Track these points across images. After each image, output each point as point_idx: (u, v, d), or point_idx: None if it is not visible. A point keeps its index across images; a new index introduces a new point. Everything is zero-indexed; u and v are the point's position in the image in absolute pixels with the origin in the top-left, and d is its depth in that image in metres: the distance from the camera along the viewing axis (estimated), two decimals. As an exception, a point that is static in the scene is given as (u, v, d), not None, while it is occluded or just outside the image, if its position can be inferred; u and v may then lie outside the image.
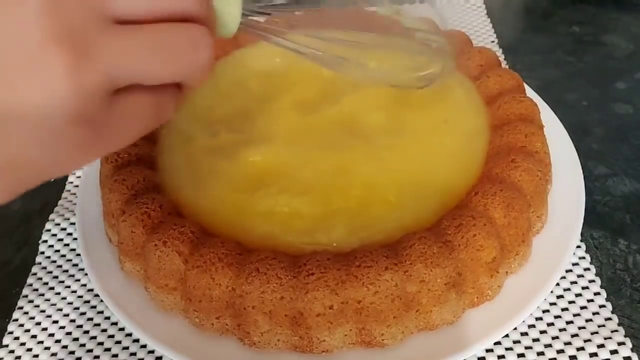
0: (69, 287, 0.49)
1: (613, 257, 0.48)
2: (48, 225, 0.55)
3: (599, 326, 0.43)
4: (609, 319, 0.43)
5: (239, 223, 0.43)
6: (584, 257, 0.47)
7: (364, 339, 0.39)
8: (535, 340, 0.42)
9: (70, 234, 0.54)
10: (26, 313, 0.48)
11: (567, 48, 0.71)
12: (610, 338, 0.42)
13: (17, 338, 0.46)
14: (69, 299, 0.48)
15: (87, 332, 0.46)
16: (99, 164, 0.49)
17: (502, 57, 0.69)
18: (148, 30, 0.26)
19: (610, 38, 0.72)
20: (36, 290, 0.49)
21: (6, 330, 0.47)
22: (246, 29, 0.35)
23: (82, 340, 0.45)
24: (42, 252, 0.52)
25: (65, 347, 0.45)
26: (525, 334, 0.43)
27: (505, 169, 0.44)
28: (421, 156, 0.47)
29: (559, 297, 0.45)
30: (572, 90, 0.65)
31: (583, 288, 0.45)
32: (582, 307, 0.44)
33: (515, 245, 0.42)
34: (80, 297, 0.48)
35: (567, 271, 0.46)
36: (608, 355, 0.41)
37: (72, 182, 0.59)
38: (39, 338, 0.46)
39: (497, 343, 0.42)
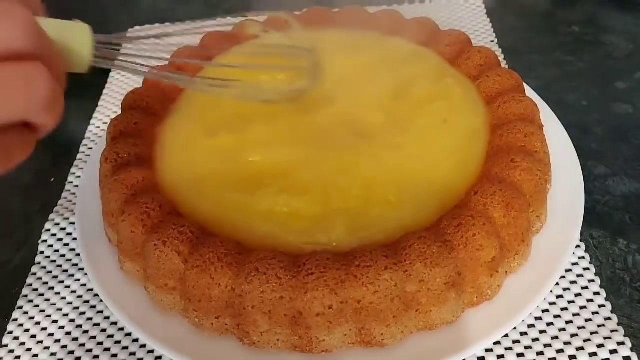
0: (68, 287, 0.49)
1: (612, 257, 0.48)
2: (48, 225, 0.55)
3: (598, 326, 0.42)
4: (609, 318, 0.43)
5: (238, 223, 0.43)
6: (583, 257, 0.47)
7: (364, 338, 0.39)
8: (535, 340, 0.42)
9: (70, 234, 0.54)
10: (26, 313, 0.48)
11: (567, 48, 0.71)
12: (609, 338, 0.42)
13: (16, 338, 0.46)
14: (69, 299, 0.48)
15: (86, 332, 0.46)
16: (99, 163, 0.49)
17: (501, 57, 0.69)
18: None
19: (610, 38, 0.72)
20: (36, 290, 0.50)
21: (6, 330, 0.47)
22: (105, 63, 0.35)
23: (81, 340, 0.45)
24: (42, 252, 0.53)
25: (65, 347, 0.45)
26: (525, 333, 0.43)
27: (505, 168, 0.44)
28: (421, 156, 0.47)
29: (559, 296, 0.45)
30: (572, 90, 0.65)
31: (583, 288, 0.45)
32: (582, 307, 0.44)
33: (514, 245, 0.42)
34: (80, 297, 0.48)
35: (566, 271, 0.46)
36: (608, 355, 0.41)
37: (72, 182, 0.59)
38: (39, 338, 0.46)
39: (497, 343, 0.42)
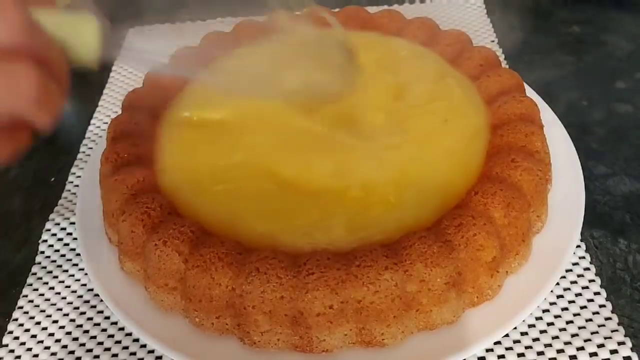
0: (68, 286, 0.49)
1: (613, 257, 0.48)
2: (48, 225, 0.55)
3: (599, 326, 0.42)
4: (609, 318, 0.43)
5: (239, 223, 0.43)
6: (584, 257, 0.47)
7: (364, 338, 0.39)
8: (535, 339, 0.42)
9: (70, 234, 0.54)
10: (26, 313, 0.48)
11: (567, 48, 0.71)
12: (610, 338, 0.42)
13: (17, 338, 0.46)
14: (69, 298, 0.48)
15: (87, 331, 0.46)
16: (99, 163, 0.49)
17: (502, 57, 0.69)
18: None
19: (610, 38, 0.72)
20: (36, 290, 0.49)
21: (6, 329, 0.47)
22: (123, 57, 0.34)
23: (81, 340, 0.45)
24: (42, 252, 0.53)
25: (65, 346, 0.45)
26: (525, 333, 0.43)
27: (505, 168, 0.44)
28: (421, 156, 0.47)
29: (559, 296, 0.45)
30: (572, 90, 0.65)
31: (583, 288, 0.45)
32: (582, 307, 0.44)
33: (515, 245, 0.42)
34: (80, 296, 0.48)
35: (567, 271, 0.46)
36: (608, 355, 0.41)
37: (72, 182, 0.59)
38: (39, 338, 0.46)
39: (497, 343, 0.42)
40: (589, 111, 0.62)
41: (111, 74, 0.74)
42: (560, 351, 0.41)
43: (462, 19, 0.77)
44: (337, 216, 0.43)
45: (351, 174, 0.45)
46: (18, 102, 0.28)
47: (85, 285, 0.49)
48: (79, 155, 0.63)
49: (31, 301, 0.49)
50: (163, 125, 0.52)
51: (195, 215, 0.44)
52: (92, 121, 0.67)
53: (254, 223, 0.43)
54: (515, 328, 0.42)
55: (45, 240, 0.53)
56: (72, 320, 0.47)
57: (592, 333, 0.42)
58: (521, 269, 0.43)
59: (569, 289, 0.45)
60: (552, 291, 0.44)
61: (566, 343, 0.42)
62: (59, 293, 0.49)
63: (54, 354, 0.45)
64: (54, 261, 0.52)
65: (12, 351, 0.45)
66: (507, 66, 0.67)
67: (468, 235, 0.39)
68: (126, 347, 0.45)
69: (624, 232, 0.49)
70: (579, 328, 0.42)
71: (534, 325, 0.43)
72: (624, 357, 0.41)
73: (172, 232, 0.41)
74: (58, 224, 0.55)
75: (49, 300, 0.48)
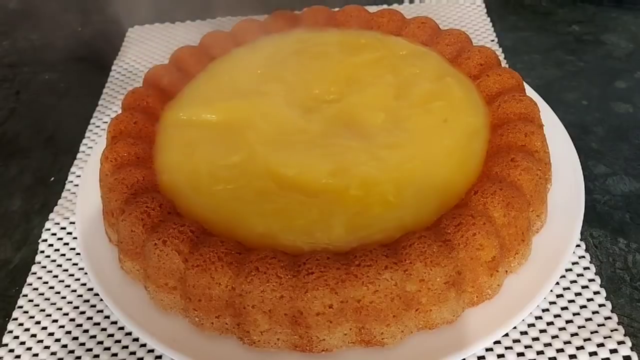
0: (68, 286, 0.49)
1: (613, 256, 0.48)
2: (48, 225, 0.55)
3: (598, 325, 0.43)
4: (609, 318, 0.43)
5: (238, 222, 0.43)
6: (583, 256, 0.47)
7: (364, 338, 0.39)
8: (535, 339, 0.42)
9: (70, 233, 0.54)
10: (26, 312, 0.48)
11: (567, 47, 0.71)
12: (610, 337, 0.42)
13: (17, 337, 0.46)
14: (69, 298, 0.48)
15: (86, 331, 0.46)
16: (99, 163, 0.49)
17: (502, 57, 0.69)
18: None
19: (610, 37, 0.72)
20: (36, 289, 0.50)
21: (6, 329, 0.47)
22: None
23: (81, 339, 0.45)
24: (42, 252, 0.53)
25: (65, 346, 0.45)
26: (525, 332, 0.43)
27: (505, 168, 0.44)
28: (421, 155, 0.47)
29: (559, 296, 0.45)
30: (572, 89, 0.65)
31: (583, 287, 0.45)
32: (582, 306, 0.44)
33: (514, 244, 0.42)
34: (80, 296, 0.48)
35: (566, 270, 0.46)
36: (608, 354, 0.41)
37: (72, 182, 0.59)
38: (39, 337, 0.46)
39: (497, 342, 0.42)
40: (589, 110, 0.62)
41: (111, 74, 0.74)
42: (560, 350, 0.41)
43: (462, 19, 0.77)
44: (336, 216, 0.43)
45: (351, 173, 0.45)
46: None
47: (85, 284, 0.49)
48: (79, 155, 0.63)
49: (31, 301, 0.49)
50: (163, 125, 0.52)
51: (195, 215, 0.44)
52: (92, 121, 0.67)
53: (254, 223, 0.43)
54: (515, 327, 0.42)
55: (45, 240, 0.54)
56: (72, 320, 0.47)
57: (591, 332, 0.42)
58: (521, 269, 0.43)
59: (568, 288, 0.45)
60: (551, 290, 0.44)
61: (566, 342, 0.42)
62: (58, 292, 0.49)
63: (53, 353, 0.45)
64: (54, 261, 0.52)
65: (12, 351, 0.45)
66: (507, 65, 0.67)
67: (468, 234, 0.39)
68: (126, 347, 0.45)
69: (623, 231, 0.49)
70: (579, 327, 0.43)
71: (533, 325, 0.43)
72: (623, 357, 0.41)
73: (172, 231, 0.41)
74: (58, 224, 0.55)
75: (48, 299, 0.49)
